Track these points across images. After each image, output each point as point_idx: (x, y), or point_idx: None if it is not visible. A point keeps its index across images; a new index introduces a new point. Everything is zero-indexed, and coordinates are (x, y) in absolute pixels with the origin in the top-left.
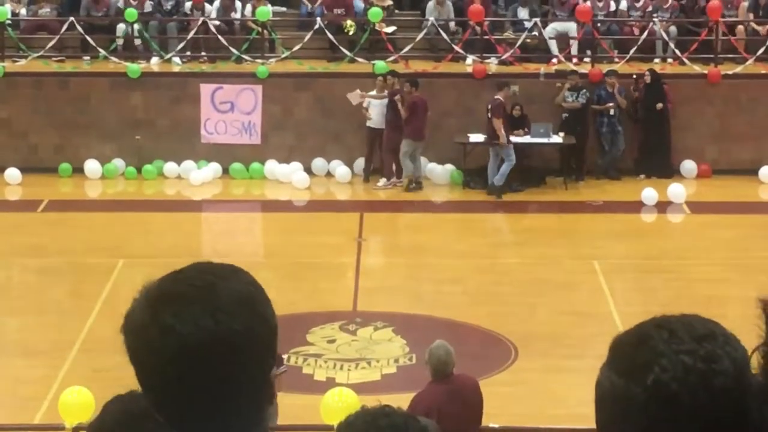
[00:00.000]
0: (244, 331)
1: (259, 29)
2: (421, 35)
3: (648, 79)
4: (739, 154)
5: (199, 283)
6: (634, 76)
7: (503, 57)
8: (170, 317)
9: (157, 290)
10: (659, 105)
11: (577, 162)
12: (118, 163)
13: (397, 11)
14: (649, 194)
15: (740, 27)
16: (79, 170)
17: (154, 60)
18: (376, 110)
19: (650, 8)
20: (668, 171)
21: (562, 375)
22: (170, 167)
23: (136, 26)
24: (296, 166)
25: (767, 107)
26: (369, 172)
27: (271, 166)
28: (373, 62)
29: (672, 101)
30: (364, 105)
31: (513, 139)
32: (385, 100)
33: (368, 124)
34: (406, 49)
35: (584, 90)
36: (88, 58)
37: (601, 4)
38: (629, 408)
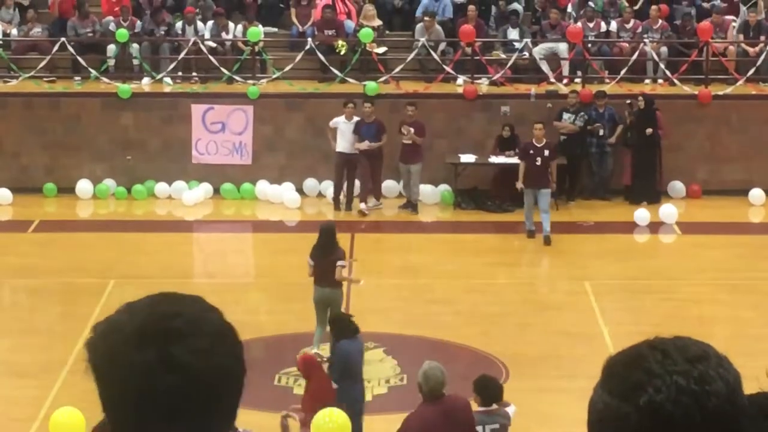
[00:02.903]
0: (235, 365)
1: (251, 50)
2: (411, 56)
3: (641, 104)
4: (730, 175)
5: (185, 318)
6: (628, 102)
7: (494, 78)
8: (186, 355)
9: (147, 324)
10: (649, 130)
11: (571, 183)
12: (109, 183)
13: (387, 32)
14: (641, 215)
15: (731, 48)
16: (70, 190)
17: (146, 80)
18: (347, 136)
19: (640, 29)
20: (656, 197)
21: (553, 395)
22: (161, 187)
23: (127, 47)
24: (287, 187)
25: (758, 128)
26: (339, 199)
27: (262, 187)
28: (363, 83)
29: (663, 127)
30: (331, 125)
31: (504, 159)
32: (353, 125)
33: (337, 149)
34: (397, 69)
35: (582, 112)
36: (79, 78)
37: (591, 25)
38: (622, 428)
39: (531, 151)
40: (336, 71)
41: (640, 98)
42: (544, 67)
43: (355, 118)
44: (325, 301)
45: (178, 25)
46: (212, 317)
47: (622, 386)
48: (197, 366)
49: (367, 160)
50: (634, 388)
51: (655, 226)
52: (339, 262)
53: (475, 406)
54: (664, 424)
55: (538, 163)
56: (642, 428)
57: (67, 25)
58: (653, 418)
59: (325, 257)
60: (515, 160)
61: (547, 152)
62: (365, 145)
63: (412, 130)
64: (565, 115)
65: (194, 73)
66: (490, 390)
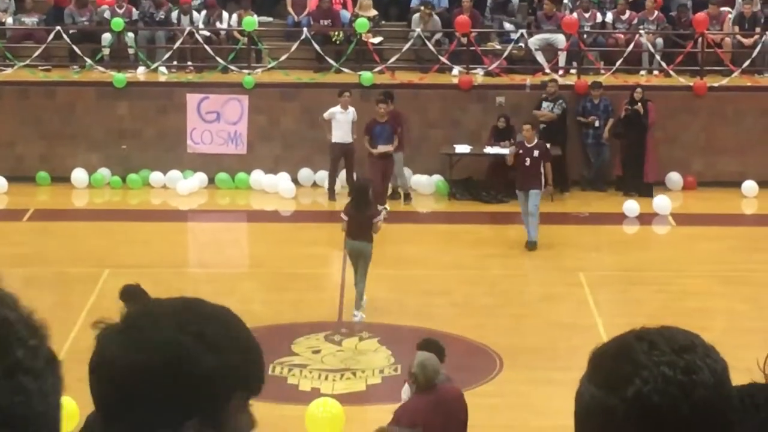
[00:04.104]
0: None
1: (246, 39)
2: (407, 46)
3: (638, 95)
4: (725, 167)
5: (175, 302)
6: (630, 98)
7: (489, 68)
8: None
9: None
10: (638, 106)
11: (560, 173)
12: (104, 172)
13: (383, 22)
14: (630, 206)
15: (726, 39)
16: (65, 179)
17: (141, 69)
18: (343, 126)
19: (636, 20)
20: (645, 189)
21: (547, 387)
22: (156, 177)
23: (123, 36)
24: (282, 176)
25: (753, 120)
26: (334, 189)
27: (257, 176)
28: (359, 73)
29: (653, 120)
30: (325, 116)
31: (499, 150)
32: (350, 116)
33: (334, 140)
34: (393, 59)
35: (561, 100)
36: (77, 67)
37: (587, 16)
38: (610, 420)
39: (521, 152)
40: (331, 61)
41: (638, 90)
42: (540, 58)
43: (350, 109)
44: (356, 254)
45: (174, 14)
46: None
47: (609, 378)
48: (154, 340)
49: (381, 161)
50: (621, 380)
51: (649, 218)
52: (375, 219)
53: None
54: (651, 415)
55: (527, 163)
56: (630, 420)
57: (65, 13)
58: (641, 409)
59: (359, 213)
60: (511, 150)
61: (536, 153)
62: (383, 148)
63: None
64: (544, 104)
65: (189, 63)
66: (435, 353)
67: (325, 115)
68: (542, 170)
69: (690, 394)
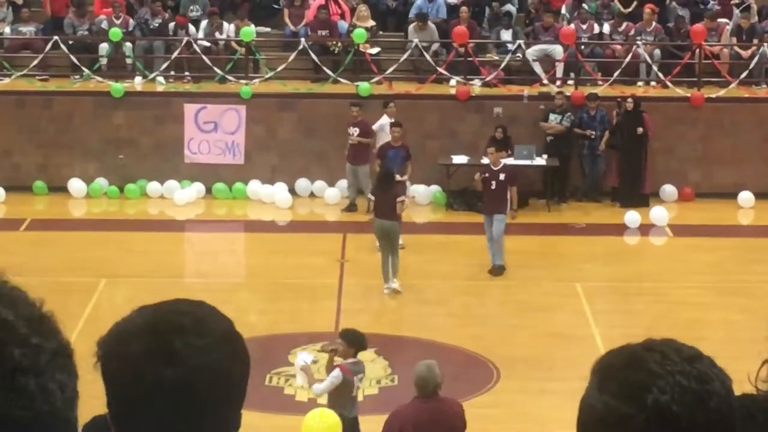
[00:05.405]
0: (233, 369)
1: (243, 49)
2: (404, 57)
3: (630, 106)
4: (722, 178)
5: (193, 317)
6: (618, 100)
7: (487, 79)
8: (182, 347)
9: (155, 319)
10: (639, 129)
11: (560, 184)
12: (101, 182)
13: (381, 33)
14: (631, 217)
15: (724, 51)
16: (62, 189)
17: (138, 79)
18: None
19: (633, 31)
20: (642, 201)
21: (544, 397)
22: (153, 187)
23: (121, 45)
24: (279, 187)
25: (750, 131)
26: None
27: (254, 187)
28: (356, 83)
29: (651, 130)
30: (375, 129)
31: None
32: (386, 125)
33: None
34: (390, 70)
35: (569, 113)
36: (79, 77)
37: (584, 27)
38: (627, 429)
39: (487, 175)
40: (329, 72)
41: (629, 100)
42: (537, 68)
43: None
44: (385, 232)
45: (171, 24)
46: (220, 321)
47: (623, 387)
48: (195, 363)
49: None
50: (636, 389)
51: (646, 229)
52: (399, 198)
53: (339, 361)
54: (670, 424)
55: (494, 187)
56: (650, 429)
57: (64, 22)
58: (660, 417)
59: (385, 193)
60: (508, 161)
61: (502, 176)
62: (399, 178)
63: (357, 130)
64: (552, 116)
65: (187, 73)
66: (359, 342)
67: (375, 127)
68: (508, 194)
69: (705, 403)
